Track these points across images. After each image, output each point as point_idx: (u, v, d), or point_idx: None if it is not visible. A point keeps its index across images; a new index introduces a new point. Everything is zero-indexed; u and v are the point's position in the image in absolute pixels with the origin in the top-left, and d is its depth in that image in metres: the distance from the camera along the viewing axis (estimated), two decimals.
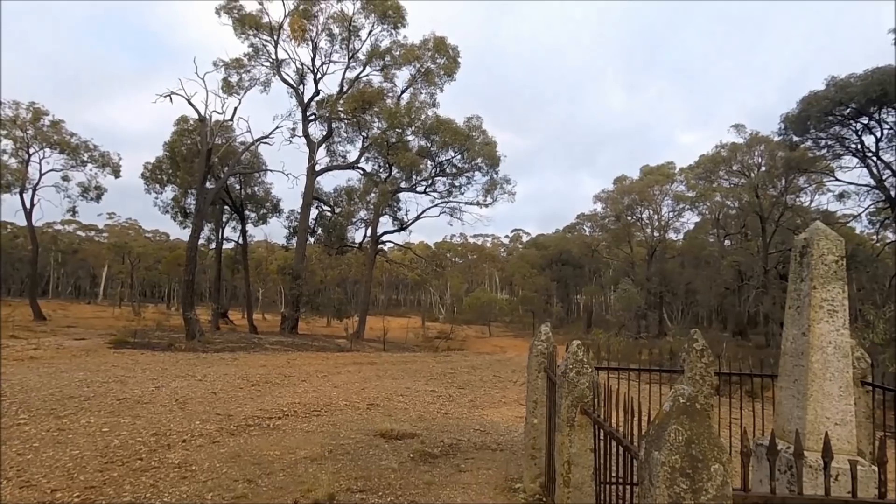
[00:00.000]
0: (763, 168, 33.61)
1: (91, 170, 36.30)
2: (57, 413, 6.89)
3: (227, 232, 36.25)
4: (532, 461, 4.51)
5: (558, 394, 3.40)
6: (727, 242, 41.34)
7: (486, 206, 34.11)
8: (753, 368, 4.73)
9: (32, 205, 34.05)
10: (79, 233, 72.71)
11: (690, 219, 44.08)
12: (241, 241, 35.20)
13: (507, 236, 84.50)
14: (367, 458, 5.48)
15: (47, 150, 34.56)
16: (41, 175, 34.65)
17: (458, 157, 33.08)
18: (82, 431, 6.07)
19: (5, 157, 33.30)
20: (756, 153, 34.04)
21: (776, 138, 27.83)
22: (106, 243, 70.89)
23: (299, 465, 5.14)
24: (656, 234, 43.75)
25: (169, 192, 33.47)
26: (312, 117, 31.69)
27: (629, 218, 43.58)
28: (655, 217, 43.54)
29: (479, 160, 32.73)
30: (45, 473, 4.61)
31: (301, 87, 31.25)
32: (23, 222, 36.88)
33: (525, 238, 79.15)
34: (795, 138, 24.85)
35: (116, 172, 36.87)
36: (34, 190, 34.24)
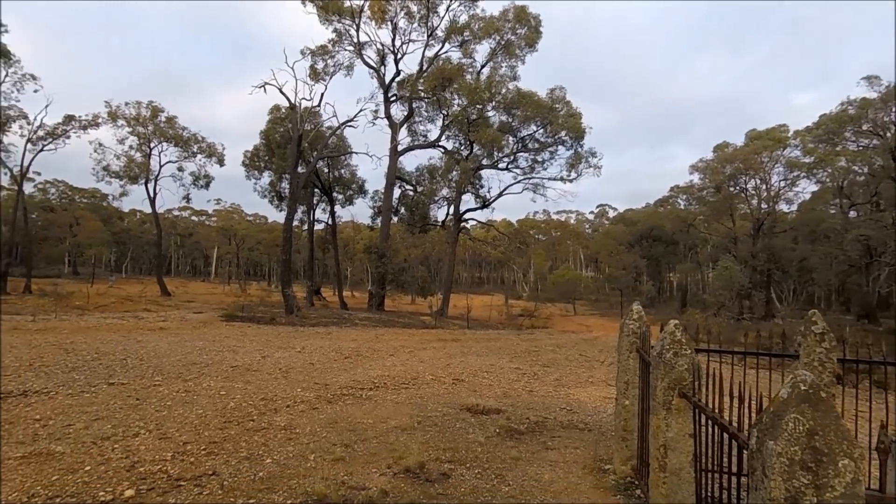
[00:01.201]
0: None
1: (200, 160, 39.92)
2: (184, 377, 7.75)
3: (318, 213, 38.27)
4: (623, 443, 4.37)
5: (653, 375, 3.23)
6: (853, 214, 36.39)
7: (571, 181, 32.99)
8: (886, 355, 4.19)
9: (155, 193, 38.20)
10: (192, 218, 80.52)
11: (806, 188, 38.79)
12: (330, 222, 37.04)
13: (591, 212, 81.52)
14: (454, 431, 5.61)
15: (164, 143, 38.39)
16: (161, 167, 38.66)
17: (541, 131, 32.11)
18: (204, 393, 6.77)
19: (132, 152, 37.40)
20: (893, 109, 29.51)
21: None
22: (215, 227, 78.02)
23: (390, 433, 5.37)
24: (764, 205, 39.43)
25: (266, 178, 35.87)
26: (394, 98, 32.24)
27: (731, 189, 39.74)
28: (763, 187, 39.08)
29: (562, 133, 31.58)
30: (178, 428, 5.21)
31: (382, 68, 31.85)
32: (149, 210, 41.49)
33: (611, 214, 75.81)
34: None
35: (221, 161, 40.23)
36: (156, 180, 38.31)
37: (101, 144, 37.41)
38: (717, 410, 2.46)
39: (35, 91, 30.93)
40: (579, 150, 32.12)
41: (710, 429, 2.50)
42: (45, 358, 8.44)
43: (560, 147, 32.55)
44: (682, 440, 2.82)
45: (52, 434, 4.85)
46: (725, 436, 2.21)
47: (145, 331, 13.74)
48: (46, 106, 32.43)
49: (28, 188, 41.49)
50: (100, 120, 35.58)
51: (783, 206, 40.97)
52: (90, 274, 51.72)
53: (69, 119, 34.60)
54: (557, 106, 31.22)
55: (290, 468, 4.23)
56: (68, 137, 34.68)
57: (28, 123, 33.13)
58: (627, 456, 4.33)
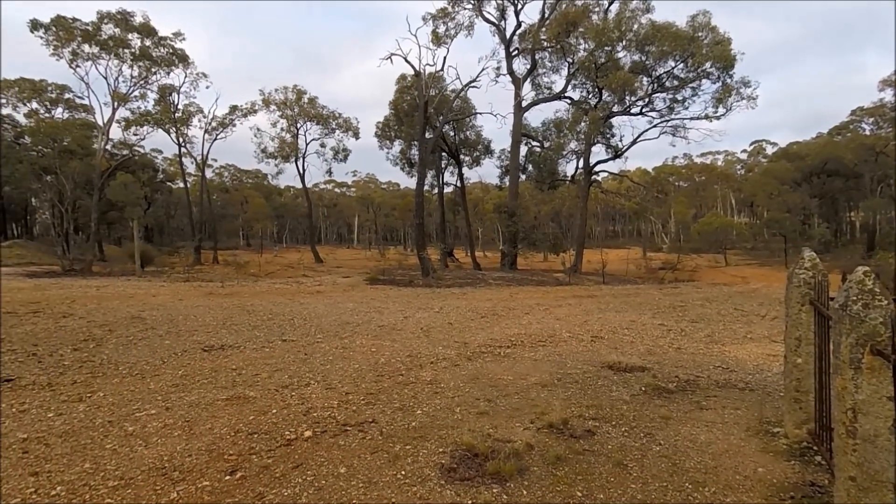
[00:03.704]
0: None
1: (339, 135, 43.22)
2: (340, 335, 8.66)
3: (447, 177, 39.32)
4: (796, 405, 3.91)
5: (834, 331, 2.80)
6: None
7: (717, 118, 29.26)
8: None
9: (304, 170, 42.50)
10: (335, 190, 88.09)
11: None
12: (458, 185, 37.79)
13: (744, 151, 72.02)
14: (597, 388, 5.51)
15: (308, 123, 42.20)
16: (307, 144, 42.71)
17: (681, 66, 28.67)
18: (358, 350, 7.51)
19: (283, 133, 41.74)
20: None
21: None
22: (354, 196, 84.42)
23: (531, 389, 5.45)
24: None
25: (397, 147, 37.63)
26: (515, 52, 31.20)
27: None
28: None
29: (707, 65, 27.86)
30: (340, 380, 5.88)
31: (502, 22, 30.90)
32: (300, 185, 46.32)
33: (769, 150, 66.09)
34: None
35: (357, 134, 43.09)
36: (304, 157, 42.52)
37: (259, 129, 42.45)
38: None
39: (207, 87, 36.07)
40: (728, 81, 28.16)
41: None
42: (234, 318, 10.01)
43: (704, 81, 28.86)
44: (878, 403, 2.42)
45: (245, 381, 5.77)
46: None
47: (305, 294, 15.53)
48: (217, 99, 37.91)
49: (208, 174, 48.72)
50: (256, 107, 40.24)
51: None
52: (259, 245, 59.61)
53: (234, 109, 39.70)
54: (700, 34, 27.47)
55: (439, 419, 4.53)
56: (234, 125, 39.88)
57: (204, 116, 38.77)
58: (802, 419, 3.87)
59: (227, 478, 3.40)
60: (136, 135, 36.29)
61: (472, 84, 27.54)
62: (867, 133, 41.94)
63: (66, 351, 7.06)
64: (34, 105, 33.83)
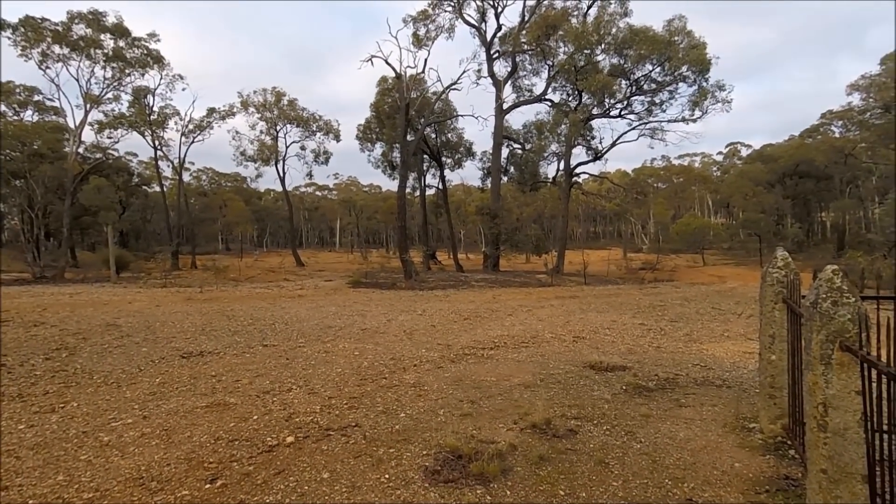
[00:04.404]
0: None
1: (319, 138, 42.88)
2: (322, 339, 8.59)
3: (429, 179, 39.29)
4: (771, 401, 4.00)
5: (806, 328, 2.88)
6: None
7: (694, 121, 29.87)
8: None
9: (284, 173, 42.04)
10: (316, 193, 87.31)
11: None
12: (441, 187, 37.81)
13: (720, 153, 73.56)
14: (579, 388, 5.56)
15: (288, 125, 41.78)
16: (287, 147, 42.26)
17: (658, 69, 29.21)
18: (341, 353, 7.46)
19: (262, 136, 41.25)
20: None
21: None
22: (336, 199, 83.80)
23: (514, 390, 5.48)
24: None
25: (378, 149, 37.51)
26: (496, 55, 31.42)
27: None
28: None
29: (683, 69, 28.42)
30: (322, 384, 5.83)
31: (483, 25, 31.09)
32: (280, 188, 45.83)
33: (745, 152, 67.61)
34: None
35: (338, 137, 42.82)
36: (284, 160, 42.06)
37: (237, 132, 41.92)
38: (893, 365, 2.14)
39: (183, 89, 35.45)
40: (704, 84, 28.78)
41: (886, 385, 2.19)
42: (214, 324, 9.85)
43: (681, 84, 29.45)
44: (847, 398, 2.50)
45: (225, 388, 5.69)
46: None
47: (287, 298, 15.36)
48: (194, 101, 37.31)
49: (185, 177, 47.93)
50: (235, 109, 39.73)
51: None
52: (239, 249, 58.75)
53: (211, 111, 39.12)
54: (677, 38, 28.03)
55: (423, 422, 4.53)
56: (212, 128, 39.31)
57: (181, 119, 38.13)
58: (777, 414, 3.97)
59: (208, 486, 3.35)
60: (109, 138, 35.54)
61: (454, 86, 27.68)
62: (837, 136, 43.15)
63: (37, 360, 6.87)
64: (2, 108, 32.86)
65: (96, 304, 12.77)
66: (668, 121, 30.89)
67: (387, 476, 3.46)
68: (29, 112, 34.54)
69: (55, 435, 4.30)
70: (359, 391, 5.52)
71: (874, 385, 2.33)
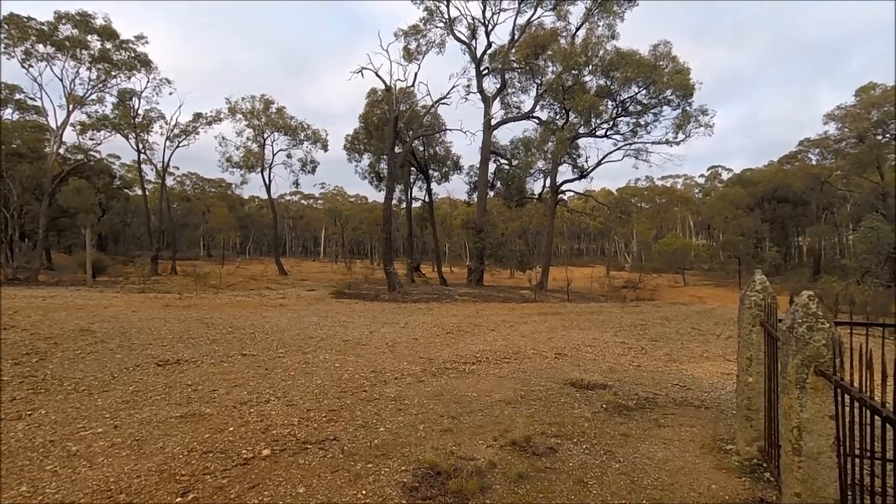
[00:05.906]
0: None
1: (307, 147, 42.71)
2: (303, 350, 8.47)
3: (415, 191, 39.34)
4: (747, 423, 4.05)
5: (783, 351, 2.93)
6: None
7: (677, 143, 30.44)
8: None
9: (270, 180, 41.64)
10: (302, 201, 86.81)
11: None
12: (427, 200, 37.87)
13: (702, 175, 75.19)
14: (560, 406, 5.56)
15: (275, 133, 41.56)
16: (273, 155, 41.97)
17: (643, 92, 29.83)
18: (321, 365, 7.36)
19: (249, 143, 40.95)
20: None
21: None
22: (322, 209, 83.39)
23: (495, 406, 5.46)
24: None
25: (366, 160, 37.46)
26: (486, 71, 31.80)
27: (879, 137, 34.44)
28: None
29: (667, 93, 29.05)
30: (301, 396, 5.74)
31: (473, 42, 31.48)
32: (265, 196, 45.40)
33: (726, 175, 69.21)
34: None
35: (325, 147, 42.67)
36: (270, 168, 41.72)
37: (224, 138, 41.53)
38: (865, 390, 2.18)
39: (170, 94, 34.97)
40: (687, 108, 29.41)
41: (858, 410, 2.23)
42: (192, 331, 9.66)
43: (665, 107, 30.09)
44: (821, 422, 2.54)
45: (201, 398, 5.57)
46: (880, 420, 1.95)
47: (268, 307, 15.16)
48: (180, 106, 36.89)
49: (169, 181, 47.27)
50: (222, 115, 39.41)
51: None
52: (221, 255, 57.93)
53: (198, 116, 38.73)
54: (662, 63, 28.70)
55: (402, 437, 4.48)
56: (198, 133, 38.91)
57: (166, 123, 37.70)
58: (753, 437, 4.01)
59: (179, 500, 3.25)
60: (92, 139, 34.93)
61: (443, 101, 27.86)
62: (813, 163, 44.39)
63: (4, 365, 6.65)
64: None
65: (70, 309, 12.44)
66: (653, 142, 31.46)
67: (364, 492, 3.41)
68: (9, 110, 33.90)
69: (20, 444, 4.15)
70: (338, 404, 5.44)
71: (847, 410, 2.38)
